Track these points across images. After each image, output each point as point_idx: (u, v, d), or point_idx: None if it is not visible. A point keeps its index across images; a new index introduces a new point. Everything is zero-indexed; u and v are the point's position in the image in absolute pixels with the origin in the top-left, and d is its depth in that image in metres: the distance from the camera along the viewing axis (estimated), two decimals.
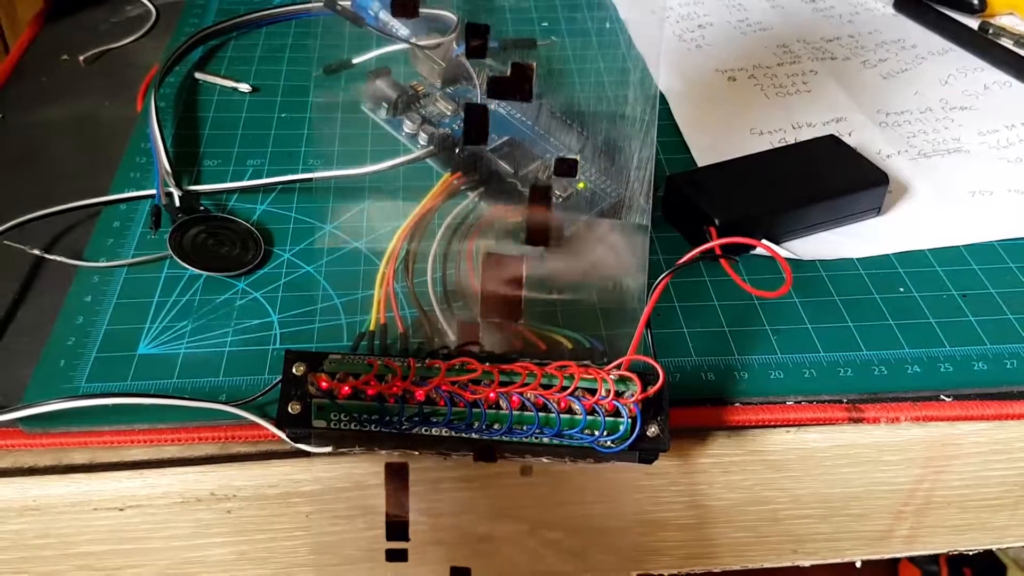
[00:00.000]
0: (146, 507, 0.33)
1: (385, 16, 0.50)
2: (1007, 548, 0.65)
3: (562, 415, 0.31)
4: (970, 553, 0.41)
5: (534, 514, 0.35)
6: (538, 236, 0.32)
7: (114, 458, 0.33)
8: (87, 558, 0.34)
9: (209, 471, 0.33)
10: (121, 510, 0.33)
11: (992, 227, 0.44)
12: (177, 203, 0.43)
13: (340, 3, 0.48)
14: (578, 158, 0.32)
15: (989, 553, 0.81)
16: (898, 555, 0.40)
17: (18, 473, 0.33)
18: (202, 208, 0.43)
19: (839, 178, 0.43)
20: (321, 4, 0.49)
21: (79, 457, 0.33)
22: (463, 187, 0.42)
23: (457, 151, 0.44)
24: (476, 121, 0.31)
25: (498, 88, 0.30)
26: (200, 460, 0.33)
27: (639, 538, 0.37)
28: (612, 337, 0.37)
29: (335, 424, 0.31)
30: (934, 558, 0.84)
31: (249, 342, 0.37)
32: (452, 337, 0.35)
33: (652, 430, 0.31)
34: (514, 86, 0.30)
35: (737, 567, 0.39)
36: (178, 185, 0.43)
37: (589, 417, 0.31)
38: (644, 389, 0.31)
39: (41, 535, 0.34)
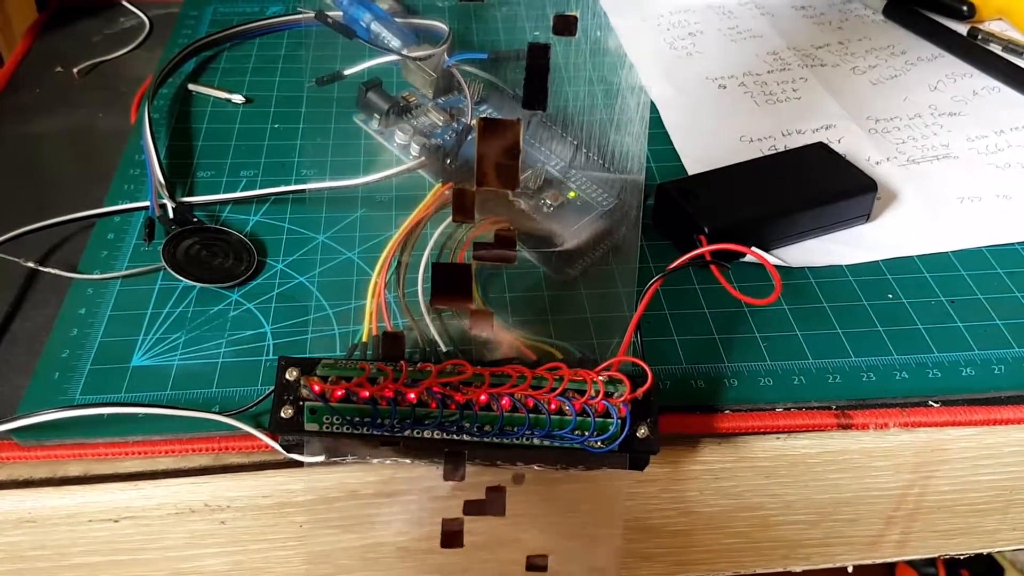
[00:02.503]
0: (140, 518, 0.33)
1: (377, 28, 0.50)
2: (999, 551, 0.65)
3: (552, 416, 0.31)
4: (961, 557, 0.41)
5: (526, 522, 0.35)
6: (535, 100, 0.30)
7: (108, 470, 0.34)
8: (82, 570, 0.35)
9: (203, 482, 0.33)
10: (116, 521, 0.33)
11: (980, 233, 0.44)
12: (171, 215, 0.43)
13: (330, 16, 0.48)
14: (576, 14, 0.31)
15: (987, 555, 0.81)
16: (889, 560, 0.40)
17: (13, 485, 0.33)
18: (195, 220, 0.43)
19: (828, 185, 0.44)
20: (312, 15, 0.49)
21: (74, 469, 0.34)
22: None
23: (448, 162, 0.44)
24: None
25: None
26: (194, 471, 0.34)
27: (631, 545, 0.37)
28: (602, 347, 0.37)
29: (327, 427, 0.31)
30: (931, 561, 0.85)
31: (242, 353, 0.37)
32: (443, 347, 0.36)
33: (642, 431, 0.31)
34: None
35: (729, 573, 0.39)
36: (172, 197, 0.44)
37: (579, 417, 0.31)
38: (633, 390, 0.31)
39: (36, 547, 0.34)
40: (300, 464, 0.33)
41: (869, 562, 0.40)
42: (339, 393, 0.31)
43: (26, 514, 0.33)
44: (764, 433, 0.35)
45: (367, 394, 0.31)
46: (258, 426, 0.33)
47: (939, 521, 0.38)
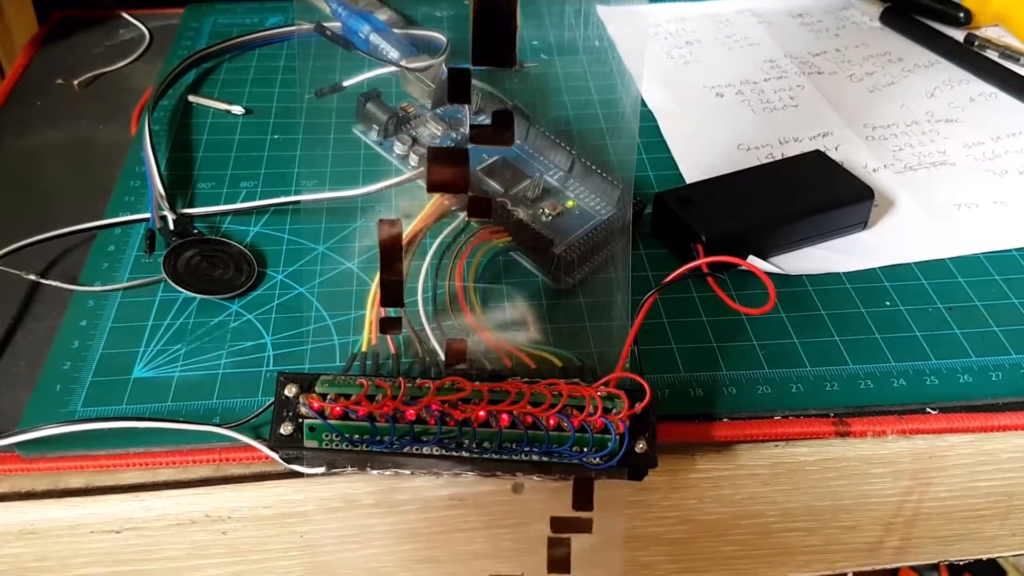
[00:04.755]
0: (142, 529, 0.34)
1: (375, 39, 0.50)
2: (999, 556, 0.65)
3: (551, 432, 0.31)
4: (960, 564, 0.41)
5: (526, 531, 0.35)
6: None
7: (110, 481, 0.34)
8: None
9: (204, 493, 0.34)
10: (118, 533, 0.34)
11: (977, 239, 0.44)
12: (171, 226, 0.43)
13: (329, 28, 0.48)
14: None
15: (992, 561, 0.81)
16: (889, 566, 0.40)
17: (16, 497, 0.33)
18: (196, 231, 0.43)
19: (825, 193, 0.44)
20: (310, 27, 0.49)
21: (76, 481, 0.34)
22: (453, 207, 0.42)
23: None
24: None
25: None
26: (195, 482, 0.34)
27: (630, 553, 0.37)
28: (601, 355, 0.37)
29: (327, 444, 0.31)
30: (934, 565, 0.85)
31: (242, 364, 0.37)
32: (442, 356, 0.36)
33: (640, 446, 0.31)
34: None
35: None
36: (172, 208, 0.44)
37: (578, 434, 0.31)
38: (631, 406, 0.31)
39: (39, 558, 0.34)
40: (300, 475, 0.33)
41: (869, 568, 0.40)
42: (337, 411, 0.31)
43: (28, 526, 0.33)
44: (762, 441, 0.35)
45: (365, 412, 0.31)
46: (258, 437, 0.33)
47: (938, 527, 0.39)
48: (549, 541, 0.33)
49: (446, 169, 0.28)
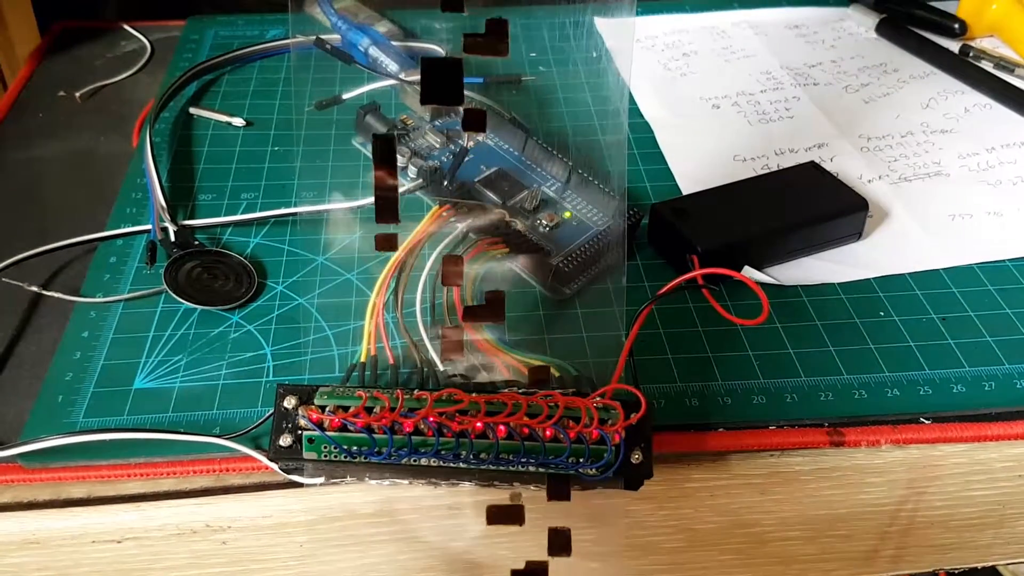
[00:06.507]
0: (143, 539, 0.34)
1: (375, 53, 0.51)
2: (996, 564, 0.65)
3: (547, 444, 0.31)
4: (956, 572, 0.41)
5: (524, 541, 0.36)
6: None
7: (112, 491, 0.34)
8: None
9: (204, 503, 0.34)
10: (119, 542, 0.34)
11: (971, 250, 0.44)
12: (172, 238, 0.43)
13: (328, 41, 0.49)
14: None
15: (991, 569, 0.81)
16: (885, 574, 0.40)
17: (18, 507, 0.34)
18: (197, 243, 0.44)
19: (820, 204, 0.44)
20: (308, 40, 0.50)
21: (77, 491, 0.34)
22: (452, 218, 0.42)
23: (446, 183, 0.45)
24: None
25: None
26: (195, 492, 0.34)
27: (627, 562, 0.37)
28: (598, 365, 0.37)
29: (325, 456, 0.32)
30: (932, 574, 0.84)
31: (242, 375, 0.38)
32: (440, 367, 0.36)
33: (636, 457, 0.32)
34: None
35: None
36: (173, 220, 0.44)
37: (574, 445, 0.31)
38: (627, 417, 0.31)
39: (41, 568, 0.34)
40: (300, 485, 0.33)
41: None
42: (336, 423, 0.31)
43: (31, 536, 0.33)
44: (758, 451, 0.36)
45: (363, 424, 0.31)
46: (258, 448, 0.34)
47: (933, 536, 0.39)
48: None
49: (441, 81, 0.28)
